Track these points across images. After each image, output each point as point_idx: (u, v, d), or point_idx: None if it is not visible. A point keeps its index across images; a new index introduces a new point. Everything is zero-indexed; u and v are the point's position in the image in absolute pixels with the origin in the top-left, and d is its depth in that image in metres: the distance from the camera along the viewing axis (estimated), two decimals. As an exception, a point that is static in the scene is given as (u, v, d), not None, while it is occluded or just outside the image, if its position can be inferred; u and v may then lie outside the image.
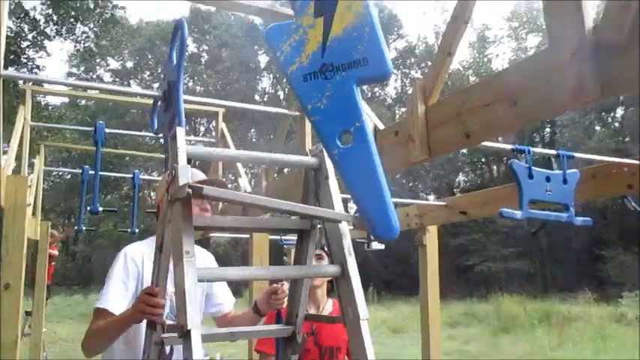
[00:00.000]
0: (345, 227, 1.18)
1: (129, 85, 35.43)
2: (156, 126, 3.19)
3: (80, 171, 5.59)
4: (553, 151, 2.87)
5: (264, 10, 3.21)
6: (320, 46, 1.14)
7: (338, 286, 1.17)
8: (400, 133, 2.33)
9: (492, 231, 24.40)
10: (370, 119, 2.65)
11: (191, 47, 34.09)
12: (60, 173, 28.09)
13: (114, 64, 34.61)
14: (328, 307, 2.81)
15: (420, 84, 2.17)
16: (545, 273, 24.20)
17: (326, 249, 1.25)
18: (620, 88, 1.45)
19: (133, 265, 1.99)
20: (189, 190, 0.99)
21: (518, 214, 2.66)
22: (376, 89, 34.03)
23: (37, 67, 11.55)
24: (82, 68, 32.80)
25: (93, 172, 5.19)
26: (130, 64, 35.30)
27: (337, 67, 1.12)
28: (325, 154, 1.25)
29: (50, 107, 12.51)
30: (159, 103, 3.26)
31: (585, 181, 3.12)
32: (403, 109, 31.94)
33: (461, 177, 32.09)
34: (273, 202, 1.08)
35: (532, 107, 1.68)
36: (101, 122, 4.65)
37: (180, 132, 1.16)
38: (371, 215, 1.10)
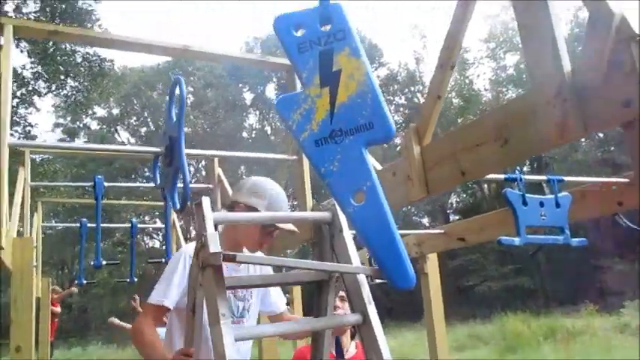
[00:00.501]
0: (362, 277, 1.26)
1: (116, 131, 35.56)
2: (159, 181, 3.29)
3: (78, 225, 5.65)
4: (543, 177, 2.99)
5: (256, 62, 3.35)
6: (328, 114, 1.25)
7: (360, 332, 1.25)
8: (397, 173, 2.44)
9: (489, 250, 24.46)
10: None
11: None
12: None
13: (100, 111, 34.81)
14: (352, 349, 2.87)
15: (414, 127, 2.29)
16: (546, 288, 24.21)
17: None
18: (603, 124, 1.58)
19: (190, 263, 2.05)
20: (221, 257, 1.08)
21: (516, 240, 2.77)
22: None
23: (30, 124, 11.73)
24: (69, 118, 32.96)
25: (92, 225, 5.26)
26: (116, 111, 35.50)
27: (346, 132, 1.23)
28: (338, 208, 1.34)
29: (43, 161, 12.57)
30: (159, 157, 3.37)
31: (577, 202, 3.22)
32: (390, 136, 32.18)
33: (453, 198, 32.28)
34: (299, 262, 1.17)
35: (521, 146, 1.80)
36: (100, 177, 4.73)
37: (206, 201, 1.25)
38: (388, 267, 1.19)
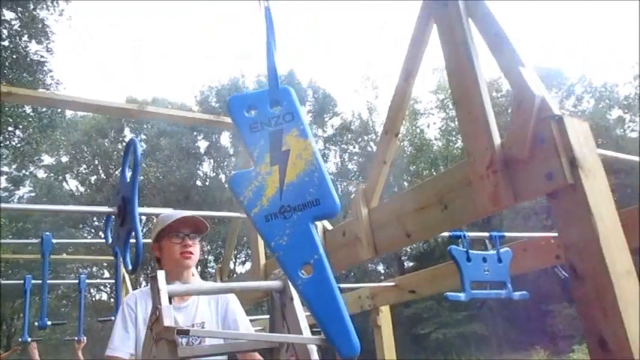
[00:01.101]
0: (312, 346, 1.32)
1: (64, 179, 34.53)
2: (110, 240, 3.27)
3: (22, 281, 5.45)
4: (486, 234, 3.15)
5: (211, 121, 3.43)
6: (278, 191, 1.33)
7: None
8: (347, 233, 2.54)
9: (443, 297, 24.67)
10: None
11: (128, 136, 34.00)
12: (-8, 278, 26.48)
13: (48, 159, 33.89)
14: None
15: (362, 190, 2.41)
16: (498, 333, 24.51)
17: None
18: (531, 194, 1.72)
19: (129, 311, 2.11)
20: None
21: (461, 296, 2.89)
22: (316, 166, 34.75)
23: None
24: (14, 166, 31.89)
25: (37, 282, 5.09)
26: (65, 159, 34.62)
27: (294, 208, 1.31)
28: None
29: (-15, 213, 12.11)
30: (112, 217, 3.35)
31: (518, 256, 3.40)
32: (345, 184, 32.66)
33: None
34: (250, 335, 1.22)
35: (460, 211, 1.93)
36: (48, 233, 4.62)
37: (160, 274, 1.30)
38: (335, 337, 1.25)
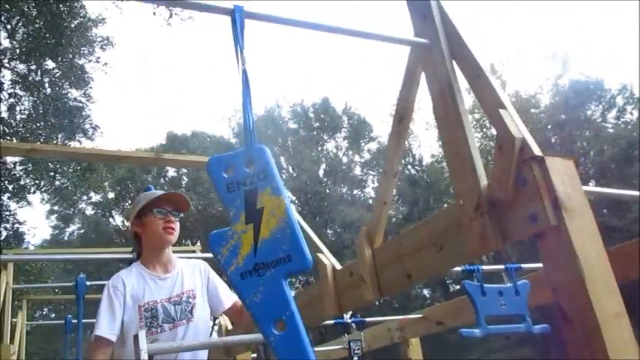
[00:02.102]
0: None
1: (111, 215, 35.62)
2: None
3: (63, 322, 5.66)
4: (501, 266, 3.10)
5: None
6: (252, 248, 1.38)
7: None
8: (354, 273, 2.55)
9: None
10: (327, 259, 2.88)
11: (171, 172, 34.93)
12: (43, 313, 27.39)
13: (95, 196, 35.09)
14: None
15: (365, 230, 2.43)
16: (550, 356, 23.58)
17: None
18: (516, 235, 1.71)
19: (114, 291, 2.17)
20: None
21: (476, 331, 2.84)
22: (356, 192, 34.78)
23: (18, 221, 11.89)
24: (62, 203, 33.15)
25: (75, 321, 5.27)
26: (111, 195, 35.77)
27: (267, 265, 1.36)
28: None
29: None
30: (134, 262, 3.48)
31: (537, 286, 3.31)
32: (383, 208, 32.42)
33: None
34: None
35: (454, 253, 1.93)
36: (82, 276, 4.80)
37: (142, 335, 1.36)
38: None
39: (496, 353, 23.48)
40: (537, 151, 1.66)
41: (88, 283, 4.84)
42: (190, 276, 2.15)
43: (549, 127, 28.71)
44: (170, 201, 2.23)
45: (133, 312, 2.11)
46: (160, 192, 2.22)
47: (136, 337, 1.35)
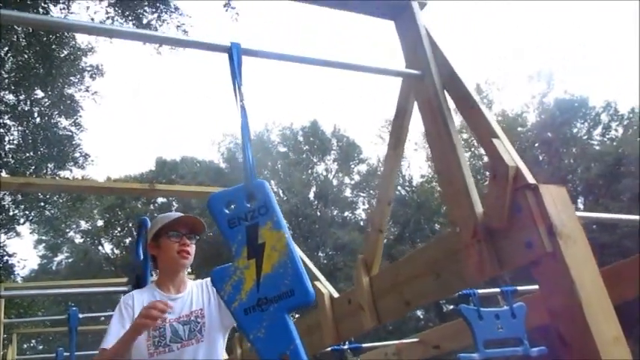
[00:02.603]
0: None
1: (100, 243, 35.21)
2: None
3: (54, 355, 5.57)
4: (497, 289, 3.12)
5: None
6: (255, 284, 1.39)
7: None
8: (352, 301, 2.56)
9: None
10: (325, 287, 2.89)
11: (160, 198, 34.71)
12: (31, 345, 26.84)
13: (84, 225, 34.74)
14: None
15: (362, 258, 2.45)
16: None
17: None
18: (513, 263, 1.74)
19: (126, 307, 2.15)
20: None
21: (475, 356, 2.84)
22: (346, 213, 34.76)
23: (8, 253, 11.72)
24: (52, 233, 32.75)
25: (67, 354, 5.19)
26: (100, 223, 35.43)
27: (270, 300, 1.37)
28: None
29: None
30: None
31: (534, 308, 3.33)
32: (375, 230, 32.42)
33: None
34: None
35: (451, 280, 1.95)
36: (74, 309, 4.75)
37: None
38: None
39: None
40: (531, 179, 1.70)
41: (80, 315, 4.79)
42: (199, 295, 2.16)
43: (536, 144, 29.00)
44: (186, 223, 2.23)
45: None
46: (176, 214, 2.22)
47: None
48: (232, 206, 1.51)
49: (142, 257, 3.14)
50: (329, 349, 4.35)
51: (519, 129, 29.71)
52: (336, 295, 2.78)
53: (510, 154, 1.75)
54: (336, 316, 2.66)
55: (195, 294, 2.15)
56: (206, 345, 2.04)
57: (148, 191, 3.23)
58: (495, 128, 1.82)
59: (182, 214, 2.23)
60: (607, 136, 29.94)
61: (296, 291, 1.38)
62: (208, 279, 2.29)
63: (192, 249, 2.22)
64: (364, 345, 4.85)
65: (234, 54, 1.63)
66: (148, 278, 2.93)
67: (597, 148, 28.70)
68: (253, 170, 1.55)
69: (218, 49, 1.68)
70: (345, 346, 4.49)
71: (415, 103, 2.15)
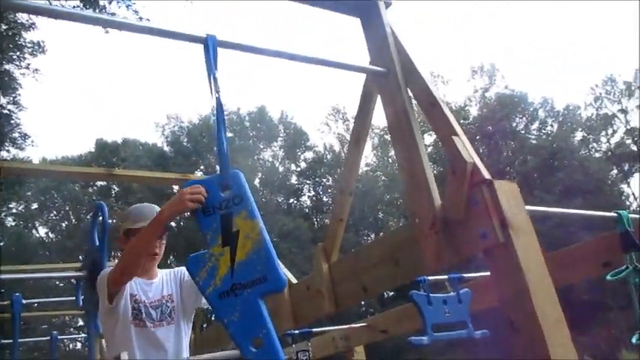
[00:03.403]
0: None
1: (34, 227, 33.80)
2: (81, 303, 3.32)
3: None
4: (444, 276, 3.27)
5: (179, 180, 3.54)
6: (229, 270, 1.45)
7: None
8: (311, 287, 2.64)
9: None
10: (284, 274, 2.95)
11: (99, 182, 33.63)
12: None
13: (17, 207, 33.21)
14: None
15: (321, 246, 2.53)
16: (478, 357, 24.53)
17: None
18: (468, 251, 1.86)
19: None
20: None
21: (424, 339, 2.98)
22: (292, 200, 34.85)
23: None
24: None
25: (7, 341, 5.03)
26: (34, 205, 33.97)
27: (244, 285, 1.43)
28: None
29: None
30: (82, 282, 3.41)
31: (480, 292, 3.52)
32: (320, 217, 32.76)
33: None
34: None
35: (410, 267, 2.07)
36: (18, 294, 4.60)
37: (124, 355, 1.40)
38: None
39: (428, 358, 24.16)
40: (487, 174, 1.82)
41: (23, 301, 4.65)
42: (169, 281, 2.25)
43: (477, 137, 30.05)
44: None
45: (126, 293, 2.15)
46: (146, 216, 2.23)
47: (118, 357, 1.38)
48: (206, 195, 1.55)
49: (97, 243, 3.10)
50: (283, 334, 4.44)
51: (462, 121, 30.63)
52: (294, 280, 2.86)
53: (468, 151, 1.87)
54: (294, 301, 2.74)
55: (165, 281, 2.24)
56: (175, 327, 2.14)
57: (107, 176, 3.18)
58: (455, 126, 1.94)
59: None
60: (543, 131, 31.37)
61: (269, 277, 1.45)
62: (178, 268, 2.36)
63: (161, 248, 2.27)
64: (314, 330, 4.96)
65: (210, 46, 1.66)
66: (104, 263, 2.90)
67: (534, 142, 30.04)
68: (228, 162, 1.59)
69: (193, 39, 1.70)
70: (296, 331, 4.59)
71: (378, 99, 2.24)
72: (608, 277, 2.41)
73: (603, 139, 31.05)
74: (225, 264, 1.46)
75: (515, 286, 1.70)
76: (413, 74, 2.09)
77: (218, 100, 1.63)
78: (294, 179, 35.98)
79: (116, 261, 2.47)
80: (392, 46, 2.14)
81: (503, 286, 1.75)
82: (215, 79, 1.63)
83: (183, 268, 2.25)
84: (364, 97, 2.32)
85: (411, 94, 2.11)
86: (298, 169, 36.42)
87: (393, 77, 2.10)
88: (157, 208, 2.24)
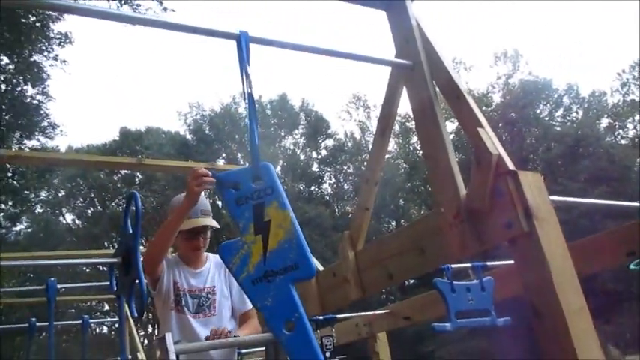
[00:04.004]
0: None
1: (61, 213, 34.52)
2: (115, 288, 3.44)
3: (27, 325, 5.58)
4: (468, 264, 3.32)
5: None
6: (262, 257, 1.52)
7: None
8: (337, 274, 2.72)
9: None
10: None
11: (123, 170, 34.12)
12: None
13: (44, 194, 33.95)
14: None
15: (348, 234, 2.60)
16: (503, 349, 24.47)
17: None
18: (492, 241, 1.91)
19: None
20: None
21: (448, 325, 3.04)
22: (313, 188, 34.97)
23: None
24: (10, 203, 31.90)
25: (41, 324, 5.22)
26: (62, 193, 34.69)
27: (276, 272, 1.50)
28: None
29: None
30: (115, 267, 3.53)
31: (502, 280, 3.55)
32: (341, 205, 32.81)
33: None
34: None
35: (435, 256, 2.12)
36: (53, 279, 4.76)
37: (168, 337, 1.49)
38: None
39: (450, 344, 24.19)
40: (511, 166, 1.86)
41: (59, 286, 4.82)
42: (215, 273, 2.34)
43: (500, 124, 29.72)
44: (204, 227, 2.38)
45: (169, 279, 2.25)
46: (199, 214, 2.33)
47: (162, 338, 1.47)
48: (239, 187, 1.62)
49: (130, 231, 3.20)
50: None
51: (484, 108, 30.27)
52: (320, 267, 2.94)
53: (493, 143, 1.91)
54: (321, 287, 2.81)
55: (211, 272, 2.32)
56: (217, 319, 2.21)
57: (136, 166, 3.29)
58: (480, 118, 1.97)
59: (200, 225, 2.33)
60: (567, 118, 30.85)
61: (300, 265, 1.52)
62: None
63: (206, 242, 2.38)
64: (338, 316, 5.05)
65: (243, 42, 1.72)
66: (137, 252, 3.01)
67: (558, 129, 29.58)
68: (258, 155, 1.66)
69: (226, 36, 1.76)
70: (321, 317, 4.68)
71: (404, 91, 2.28)
72: (632, 267, 2.43)
73: (630, 126, 30.41)
74: (258, 251, 1.53)
75: (539, 274, 1.74)
76: (439, 67, 2.13)
77: (250, 95, 1.69)
78: (315, 167, 36.07)
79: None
80: (418, 40, 2.18)
81: (527, 274, 1.80)
82: (247, 75, 1.69)
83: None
84: (390, 88, 2.37)
85: (436, 86, 2.15)
86: (319, 156, 36.47)
87: (419, 70, 2.14)
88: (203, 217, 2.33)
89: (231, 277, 2.35)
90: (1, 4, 1.67)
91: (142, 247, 3.07)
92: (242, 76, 1.69)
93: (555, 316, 1.70)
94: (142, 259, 2.21)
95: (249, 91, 1.68)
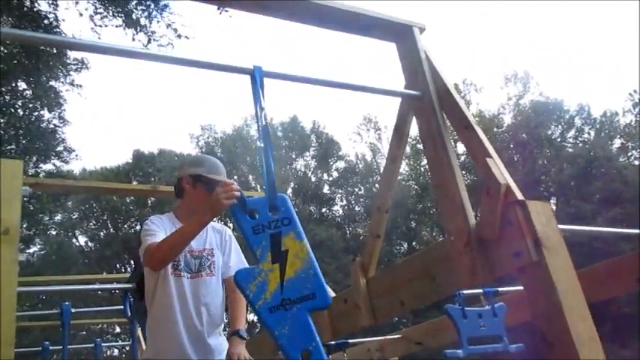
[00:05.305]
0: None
1: (74, 236, 34.72)
2: (129, 313, 3.50)
3: (40, 348, 5.64)
4: (479, 290, 3.33)
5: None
6: (279, 286, 1.57)
7: None
8: (348, 300, 2.74)
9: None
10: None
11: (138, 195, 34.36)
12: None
13: (57, 216, 34.21)
14: None
15: (359, 261, 2.64)
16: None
17: None
18: (502, 269, 1.94)
19: (157, 220, 2.29)
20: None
21: (459, 352, 3.06)
22: (324, 210, 34.96)
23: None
24: (24, 225, 32.19)
25: (54, 348, 5.26)
26: (75, 215, 34.97)
27: (293, 301, 1.55)
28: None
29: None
30: (130, 292, 3.59)
31: (515, 306, 3.56)
32: (353, 227, 32.72)
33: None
34: None
35: (446, 283, 2.15)
36: (67, 304, 4.83)
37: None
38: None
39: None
40: (520, 195, 1.90)
41: (72, 310, 4.88)
42: (213, 237, 2.33)
43: (511, 145, 29.66)
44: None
45: None
46: (222, 172, 2.33)
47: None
48: (256, 215, 1.67)
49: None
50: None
51: (495, 129, 30.27)
52: (332, 294, 2.96)
53: (502, 172, 1.95)
54: (332, 314, 2.84)
55: (209, 234, 2.31)
56: (216, 279, 2.23)
57: (151, 192, 3.36)
58: (488, 147, 2.02)
59: (226, 179, 2.31)
60: (579, 139, 30.73)
61: (317, 295, 1.56)
62: (227, 229, 2.47)
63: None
64: (348, 340, 5.04)
65: (257, 76, 1.79)
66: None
67: (570, 150, 29.45)
68: (275, 186, 1.71)
69: (241, 71, 1.83)
70: (332, 342, 4.68)
71: (414, 120, 2.34)
72: (643, 294, 2.44)
73: (643, 147, 30.20)
74: (275, 280, 1.58)
75: (549, 303, 1.77)
76: (447, 98, 2.18)
77: (265, 128, 1.76)
78: (326, 189, 36.12)
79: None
80: (427, 71, 2.24)
81: (537, 303, 1.82)
82: (262, 108, 1.76)
83: (234, 238, 2.34)
84: (400, 117, 2.43)
85: (445, 116, 2.20)
86: (330, 178, 36.54)
87: (427, 100, 2.20)
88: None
89: (225, 245, 2.35)
90: (0, 35, 1.74)
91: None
92: (256, 109, 1.75)
93: (566, 345, 1.71)
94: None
95: (264, 123, 1.75)
